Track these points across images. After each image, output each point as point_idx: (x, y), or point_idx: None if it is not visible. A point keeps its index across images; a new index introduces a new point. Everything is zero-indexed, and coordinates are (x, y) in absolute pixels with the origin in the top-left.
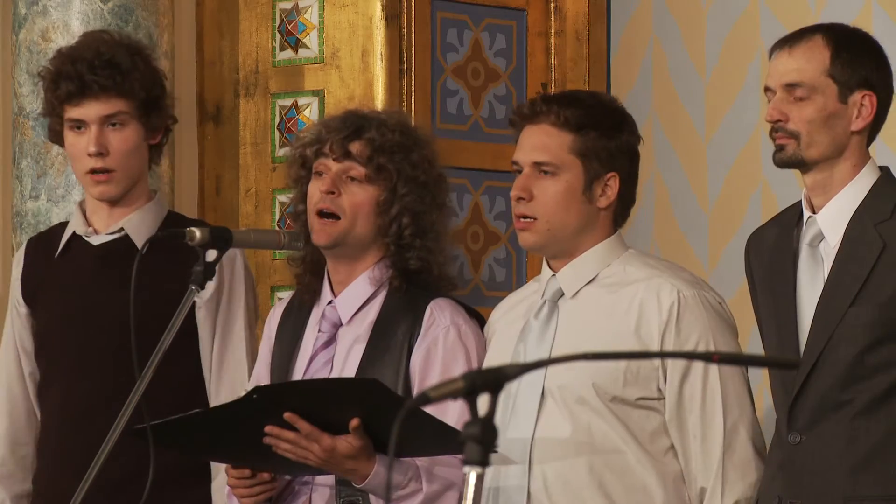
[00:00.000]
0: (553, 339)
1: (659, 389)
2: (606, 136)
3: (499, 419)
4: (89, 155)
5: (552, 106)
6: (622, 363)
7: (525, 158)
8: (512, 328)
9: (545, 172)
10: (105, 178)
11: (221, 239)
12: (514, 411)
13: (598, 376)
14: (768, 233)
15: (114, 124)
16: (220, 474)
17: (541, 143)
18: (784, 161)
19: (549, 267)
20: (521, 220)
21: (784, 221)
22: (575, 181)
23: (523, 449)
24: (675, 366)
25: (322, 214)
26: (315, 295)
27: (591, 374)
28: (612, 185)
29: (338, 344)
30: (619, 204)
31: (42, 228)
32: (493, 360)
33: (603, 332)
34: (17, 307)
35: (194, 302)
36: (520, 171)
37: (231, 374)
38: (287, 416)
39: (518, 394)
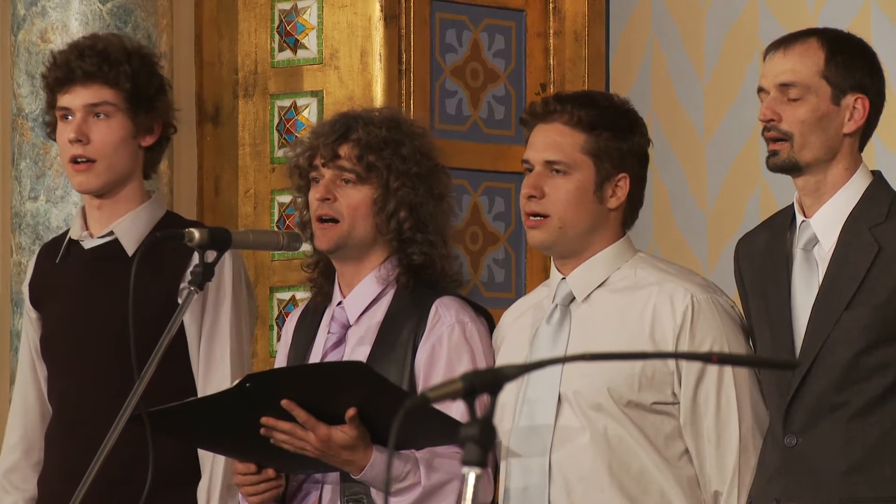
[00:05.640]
0: (566, 343)
1: (674, 394)
2: (619, 138)
3: (517, 424)
4: (70, 142)
5: (566, 105)
6: (637, 368)
7: (537, 157)
8: (523, 334)
9: (557, 171)
10: (84, 168)
11: (220, 240)
12: (532, 417)
13: (613, 381)
14: (758, 237)
15: (99, 115)
16: (207, 476)
17: (553, 141)
18: (778, 165)
19: (559, 270)
20: (532, 218)
21: (775, 225)
22: (586, 181)
23: (542, 453)
24: (689, 370)
25: (321, 220)
26: (327, 297)
27: (607, 380)
28: (623, 187)
29: (346, 344)
30: (629, 206)
31: (41, 229)
32: None
33: (617, 336)
34: (28, 312)
35: (179, 304)
36: (530, 170)
37: (217, 375)
38: (284, 403)
39: (535, 400)
